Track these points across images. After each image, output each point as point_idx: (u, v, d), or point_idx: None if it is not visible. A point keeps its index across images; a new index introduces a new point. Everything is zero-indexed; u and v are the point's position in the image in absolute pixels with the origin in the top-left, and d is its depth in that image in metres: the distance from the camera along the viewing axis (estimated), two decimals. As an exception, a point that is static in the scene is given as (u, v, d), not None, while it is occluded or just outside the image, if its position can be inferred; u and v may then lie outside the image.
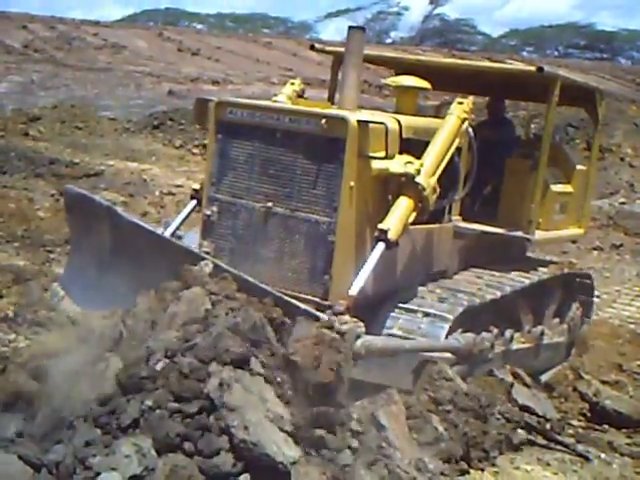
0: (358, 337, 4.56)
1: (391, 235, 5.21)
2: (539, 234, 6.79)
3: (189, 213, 6.21)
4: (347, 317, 4.63)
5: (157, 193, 13.33)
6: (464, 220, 6.50)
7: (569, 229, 7.57)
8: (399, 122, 5.58)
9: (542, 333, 6.73)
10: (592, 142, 7.89)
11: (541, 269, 7.01)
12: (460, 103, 5.80)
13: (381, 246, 5.22)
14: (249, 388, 4.00)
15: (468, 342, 5.40)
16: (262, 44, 45.01)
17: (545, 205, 6.86)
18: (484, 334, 5.77)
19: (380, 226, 5.23)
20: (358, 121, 5.21)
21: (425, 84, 6.35)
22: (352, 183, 5.25)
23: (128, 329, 4.49)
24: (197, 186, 6.15)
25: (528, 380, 6.00)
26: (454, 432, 4.82)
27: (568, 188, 7.36)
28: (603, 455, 5.57)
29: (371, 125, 5.23)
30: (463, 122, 5.77)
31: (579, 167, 7.55)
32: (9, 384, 4.44)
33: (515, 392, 5.67)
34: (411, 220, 5.41)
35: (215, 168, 5.75)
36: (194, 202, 6.15)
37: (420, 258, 6.06)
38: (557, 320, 7.20)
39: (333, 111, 5.49)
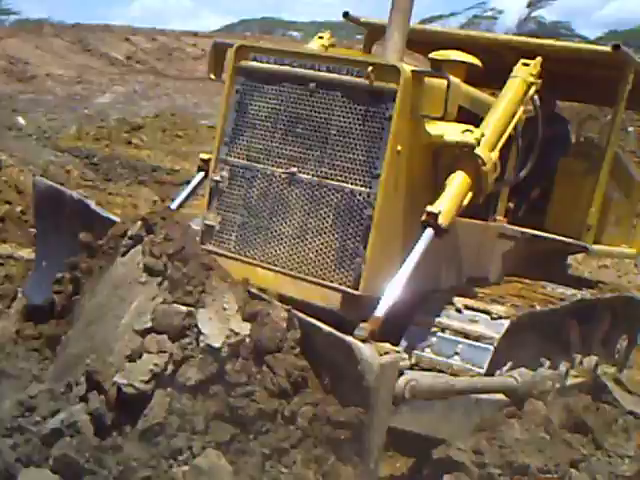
0: (401, 374, 3.49)
1: (442, 220, 4.24)
2: (594, 246, 5.88)
3: (196, 187, 5.22)
4: (387, 345, 3.62)
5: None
6: (508, 223, 5.58)
7: (621, 246, 6.66)
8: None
9: (597, 365, 5.74)
10: None
11: (589, 289, 6.05)
12: (526, 65, 4.88)
13: (429, 233, 4.25)
14: None
15: (526, 381, 4.37)
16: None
17: (601, 214, 5.95)
18: (542, 370, 4.77)
19: (429, 208, 4.26)
20: (413, 71, 4.27)
21: (475, 60, 5.43)
22: (399, 147, 4.28)
23: None
24: (206, 155, 5.17)
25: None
26: None
27: (625, 201, 6.46)
28: None
29: (429, 78, 4.29)
30: (529, 87, 4.84)
31: (636, 180, 6.66)
32: None
33: (621, 398, 4.73)
34: (465, 202, 4.45)
35: (229, 125, 4.77)
36: (202, 174, 5.17)
37: (459, 258, 5.09)
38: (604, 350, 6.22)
39: (382, 59, 4.54)
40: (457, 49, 5.53)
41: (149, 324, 3.50)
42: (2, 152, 11.77)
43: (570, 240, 5.72)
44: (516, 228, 5.56)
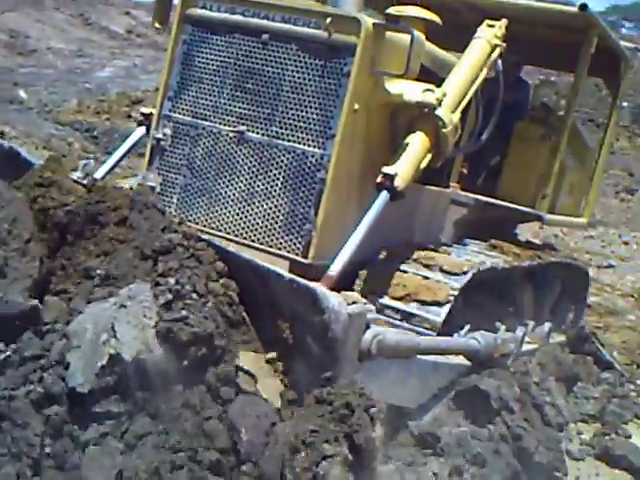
0: (367, 327, 3.16)
1: (399, 182, 3.96)
2: (548, 215, 5.68)
3: (134, 143, 4.84)
4: (355, 294, 3.31)
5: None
6: (463, 190, 5.33)
7: (572, 215, 6.46)
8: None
9: (550, 332, 5.53)
10: (607, 120, 6.76)
11: (542, 254, 5.81)
12: (491, 26, 4.62)
13: (384, 196, 3.97)
14: None
15: (489, 344, 4.10)
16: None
17: (557, 182, 5.73)
18: (502, 333, 4.52)
19: (385, 169, 3.98)
20: (374, 24, 3.97)
21: (435, 17, 5.12)
22: (357, 106, 3.98)
23: None
24: (147, 109, 4.80)
25: None
26: None
27: (579, 169, 6.26)
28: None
29: (391, 32, 3.99)
30: (493, 49, 4.58)
31: (591, 147, 6.47)
32: None
33: None
34: (423, 165, 4.18)
35: (174, 79, 4.42)
36: (142, 129, 4.80)
37: (409, 224, 4.80)
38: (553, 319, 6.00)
39: (341, 10, 4.22)
40: (415, 5, 5.23)
41: None
42: (5, 125, 11.70)
43: (525, 209, 5.50)
44: (470, 195, 5.32)
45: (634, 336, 7.64)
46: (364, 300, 3.23)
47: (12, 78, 18.69)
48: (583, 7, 5.19)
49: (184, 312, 2.84)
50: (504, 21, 4.65)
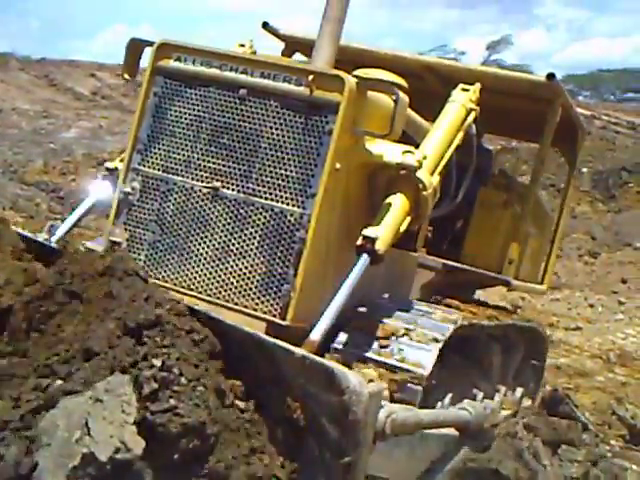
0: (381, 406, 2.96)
1: (379, 246, 3.87)
2: (514, 281, 5.68)
3: (95, 202, 4.64)
4: (369, 371, 3.15)
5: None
6: (428, 254, 5.28)
7: (533, 281, 6.50)
8: None
9: (522, 397, 5.48)
10: (565, 189, 6.85)
11: (505, 316, 5.78)
12: (465, 90, 4.62)
13: (364, 259, 3.87)
14: None
15: (479, 413, 3.98)
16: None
17: (521, 249, 5.76)
18: (488, 402, 4.43)
19: (365, 232, 3.89)
20: (357, 82, 3.91)
21: (402, 82, 5.12)
22: (338, 165, 3.89)
23: None
24: (112, 164, 4.63)
25: None
26: None
27: (539, 236, 6.32)
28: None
29: (374, 92, 3.95)
30: (468, 113, 4.58)
31: (550, 214, 6.55)
32: None
33: None
34: (403, 228, 4.11)
35: (144, 132, 4.26)
36: (106, 184, 4.62)
37: (380, 285, 4.71)
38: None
39: (324, 68, 4.15)
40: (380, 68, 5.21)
41: None
42: (-31, 185, 11.64)
43: (493, 274, 5.49)
44: (437, 259, 5.28)
45: (604, 397, 7.83)
46: (374, 374, 3.09)
47: (-24, 138, 18.60)
48: (551, 76, 5.26)
49: (172, 401, 2.61)
50: (478, 85, 4.66)
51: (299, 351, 2.79)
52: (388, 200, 4.07)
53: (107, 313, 2.97)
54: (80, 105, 26.95)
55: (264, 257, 3.92)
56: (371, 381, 2.90)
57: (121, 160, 4.41)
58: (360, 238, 3.88)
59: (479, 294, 6.46)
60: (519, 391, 5.56)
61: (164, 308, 2.88)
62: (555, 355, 9.42)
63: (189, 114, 4.16)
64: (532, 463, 4.04)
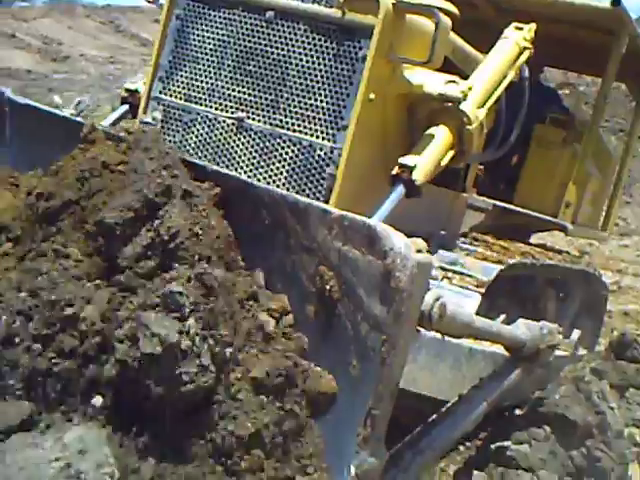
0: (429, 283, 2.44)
1: (417, 175, 3.55)
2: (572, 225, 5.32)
3: (117, 120, 4.36)
4: (419, 241, 2.69)
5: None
6: (477, 194, 4.93)
7: (594, 228, 6.10)
8: None
9: (579, 339, 5.14)
10: (631, 127, 6.38)
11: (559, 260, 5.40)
12: (519, 28, 4.23)
13: (400, 190, 3.55)
14: None
15: (535, 335, 3.57)
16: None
17: (579, 191, 5.38)
18: (546, 324, 4.03)
19: (403, 160, 3.57)
20: (395, 4, 3.54)
21: (453, 8, 4.71)
22: (372, 95, 3.55)
23: None
24: (132, 85, 4.35)
25: None
26: None
27: (601, 178, 5.90)
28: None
29: (413, 14, 3.57)
30: (522, 52, 4.19)
31: (614, 156, 6.11)
32: None
33: None
34: (445, 162, 3.76)
35: (166, 58, 3.99)
36: (125, 107, 4.34)
37: (425, 226, 4.37)
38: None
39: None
40: None
41: None
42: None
43: (548, 217, 5.12)
44: (488, 200, 4.92)
45: (673, 342, 7.49)
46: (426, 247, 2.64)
47: (47, 84, 18.49)
48: (616, 2, 4.81)
49: None
50: (533, 25, 4.26)
51: (337, 211, 2.38)
52: (429, 131, 3.73)
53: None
54: (145, 51, 26.31)
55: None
56: (419, 251, 2.39)
57: (144, 83, 4.12)
58: (396, 167, 3.57)
59: (545, 239, 6.10)
60: (576, 332, 5.19)
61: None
62: (623, 301, 9.04)
63: (213, 39, 3.84)
64: (600, 406, 3.76)
